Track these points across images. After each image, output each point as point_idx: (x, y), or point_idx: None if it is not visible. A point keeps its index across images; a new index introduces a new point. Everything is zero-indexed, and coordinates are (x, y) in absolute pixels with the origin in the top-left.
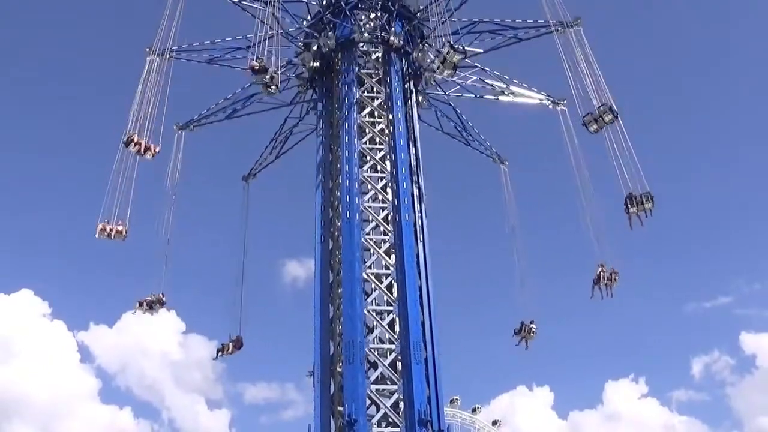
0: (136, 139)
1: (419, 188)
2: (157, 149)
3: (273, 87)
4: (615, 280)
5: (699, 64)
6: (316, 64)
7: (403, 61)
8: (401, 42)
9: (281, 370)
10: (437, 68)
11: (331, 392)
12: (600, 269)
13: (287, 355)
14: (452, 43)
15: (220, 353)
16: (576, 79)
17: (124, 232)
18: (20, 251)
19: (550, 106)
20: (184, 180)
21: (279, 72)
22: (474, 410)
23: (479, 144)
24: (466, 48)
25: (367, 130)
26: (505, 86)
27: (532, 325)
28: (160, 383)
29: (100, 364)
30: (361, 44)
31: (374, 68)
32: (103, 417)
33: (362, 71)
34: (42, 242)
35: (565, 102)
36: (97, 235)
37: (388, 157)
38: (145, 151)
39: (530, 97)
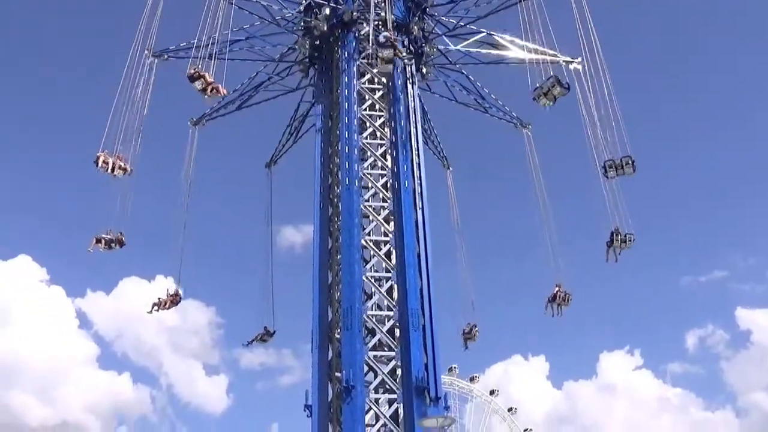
0: (201, 72)
1: (419, 156)
2: (212, 80)
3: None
4: (568, 302)
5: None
6: (324, 28)
7: (403, 31)
8: (420, 32)
9: (278, 336)
10: (537, 97)
11: (329, 358)
12: (557, 289)
13: (283, 321)
14: (558, 78)
15: (155, 307)
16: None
17: (128, 168)
18: (19, 217)
19: (517, 126)
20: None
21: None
22: (472, 379)
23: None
24: None
25: (366, 97)
26: (482, 99)
27: (475, 329)
28: (158, 349)
29: (97, 330)
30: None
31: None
32: (102, 382)
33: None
34: (40, 208)
35: (530, 126)
36: (99, 167)
37: (388, 124)
38: (197, 78)
39: (501, 114)
